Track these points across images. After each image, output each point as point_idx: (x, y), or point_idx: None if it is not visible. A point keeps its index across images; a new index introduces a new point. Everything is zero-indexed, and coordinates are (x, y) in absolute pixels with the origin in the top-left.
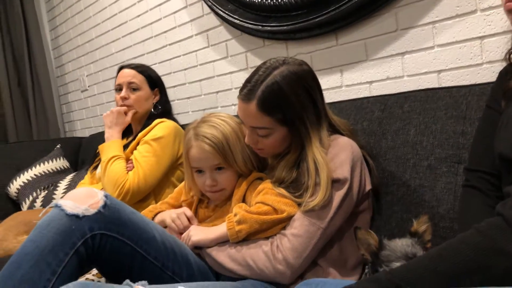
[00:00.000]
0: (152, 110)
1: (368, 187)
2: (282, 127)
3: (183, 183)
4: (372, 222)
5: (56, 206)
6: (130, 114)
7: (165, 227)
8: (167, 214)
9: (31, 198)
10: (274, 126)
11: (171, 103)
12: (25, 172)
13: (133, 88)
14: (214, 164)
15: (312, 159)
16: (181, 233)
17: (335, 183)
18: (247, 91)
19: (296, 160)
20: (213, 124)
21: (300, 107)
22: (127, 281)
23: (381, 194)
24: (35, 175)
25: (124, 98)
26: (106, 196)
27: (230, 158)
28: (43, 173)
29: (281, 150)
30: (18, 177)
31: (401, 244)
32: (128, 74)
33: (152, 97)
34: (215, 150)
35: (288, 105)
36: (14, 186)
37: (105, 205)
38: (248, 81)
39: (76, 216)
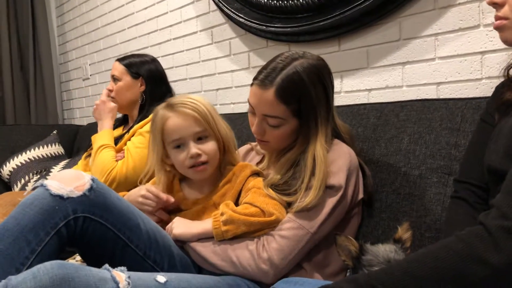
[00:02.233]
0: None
1: (360, 196)
2: (294, 118)
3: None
4: (359, 228)
5: (42, 185)
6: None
7: None
8: (133, 199)
9: (23, 181)
10: (287, 116)
11: None
12: (19, 155)
13: (114, 79)
14: (197, 131)
15: (312, 155)
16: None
17: (329, 189)
18: (264, 77)
19: (297, 158)
20: (187, 96)
21: (316, 101)
22: (106, 265)
23: (372, 201)
24: (29, 158)
25: (109, 91)
26: (93, 179)
27: (213, 124)
28: (37, 158)
29: (286, 145)
30: (12, 160)
31: (384, 250)
32: (113, 66)
33: (137, 86)
34: (197, 114)
35: (306, 96)
36: (7, 168)
37: (91, 188)
38: (264, 68)
39: (60, 197)
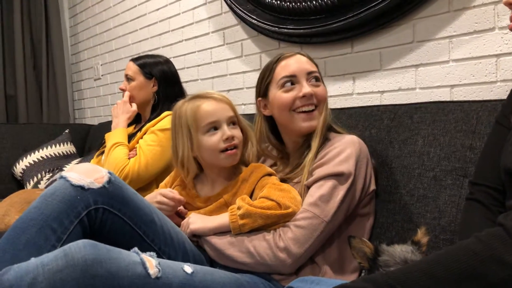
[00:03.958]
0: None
1: (372, 187)
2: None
3: (167, 178)
4: (372, 229)
5: (61, 177)
6: (134, 103)
7: None
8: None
9: (35, 179)
10: (319, 73)
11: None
12: (32, 154)
13: (128, 78)
14: (231, 115)
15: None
16: (176, 214)
17: (339, 176)
18: (287, 51)
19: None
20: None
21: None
22: (135, 248)
23: (383, 201)
24: (41, 157)
25: (122, 90)
26: (110, 173)
27: (238, 115)
28: (49, 156)
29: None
30: (24, 158)
31: (401, 250)
32: (127, 66)
33: (150, 86)
34: (228, 101)
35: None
36: (20, 166)
37: (109, 181)
38: None
39: (81, 187)
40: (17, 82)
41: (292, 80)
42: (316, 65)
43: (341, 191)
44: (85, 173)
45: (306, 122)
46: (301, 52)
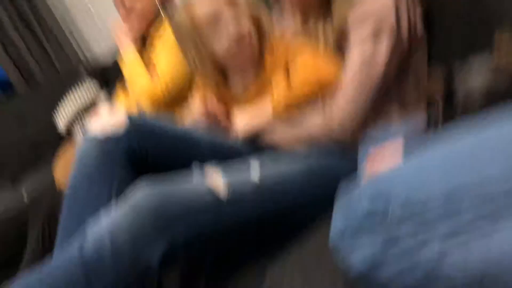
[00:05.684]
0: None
1: (419, 26)
2: None
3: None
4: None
5: (86, 136)
6: None
7: None
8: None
9: (77, 127)
10: None
11: None
12: (65, 105)
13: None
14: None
15: None
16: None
17: (379, 21)
18: None
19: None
20: None
21: None
22: (196, 164)
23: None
24: (74, 104)
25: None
26: (128, 112)
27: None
28: (81, 99)
29: None
30: (62, 109)
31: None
32: None
33: None
34: None
35: None
36: (64, 121)
37: (132, 120)
38: None
39: (108, 138)
40: (18, 48)
41: None
42: None
43: (387, 48)
44: (105, 122)
45: None
46: None
